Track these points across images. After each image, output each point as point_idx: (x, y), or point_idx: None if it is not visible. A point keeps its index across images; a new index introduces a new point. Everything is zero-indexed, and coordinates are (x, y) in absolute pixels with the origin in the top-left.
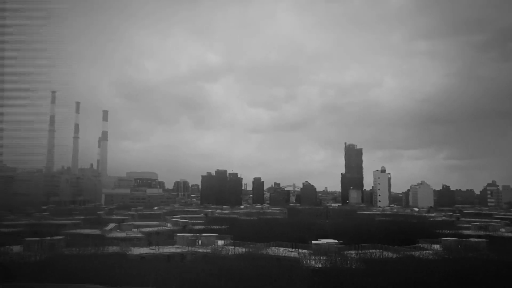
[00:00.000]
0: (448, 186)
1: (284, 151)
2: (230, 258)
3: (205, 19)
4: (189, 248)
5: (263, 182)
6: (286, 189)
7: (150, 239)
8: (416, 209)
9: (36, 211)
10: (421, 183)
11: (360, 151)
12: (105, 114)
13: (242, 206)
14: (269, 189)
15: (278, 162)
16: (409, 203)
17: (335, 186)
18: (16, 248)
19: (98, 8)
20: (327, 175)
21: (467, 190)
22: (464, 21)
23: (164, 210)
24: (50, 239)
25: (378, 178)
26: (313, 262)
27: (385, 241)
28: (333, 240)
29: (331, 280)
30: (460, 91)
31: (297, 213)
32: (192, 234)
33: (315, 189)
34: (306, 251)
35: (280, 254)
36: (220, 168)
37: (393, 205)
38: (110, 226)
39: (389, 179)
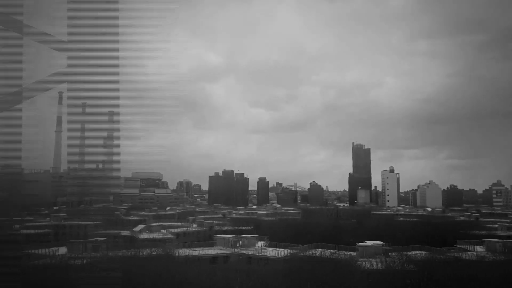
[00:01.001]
0: (456, 186)
1: (285, 151)
2: (278, 260)
3: (206, 19)
4: (233, 249)
5: (268, 182)
6: (289, 188)
7: (184, 240)
8: (429, 209)
9: (49, 212)
10: (429, 183)
11: (368, 151)
12: (110, 114)
13: (255, 207)
14: (272, 189)
15: (279, 162)
16: (416, 203)
17: (337, 185)
18: (61, 250)
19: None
20: (328, 175)
21: (470, 189)
22: (465, 21)
23: (177, 211)
24: (93, 241)
25: (387, 178)
26: (368, 263)
27: (422, 242)
28: (379, 242)
29: (387, 281)
30: (461, 91)
31: (311, 213)
32: (232, 236)
33: (322, 189)
34: (353, 253)
35: (327, 256)
36: (225, 169)
37: (403, 205)
38: (139, 227)
39: (397, 179)
